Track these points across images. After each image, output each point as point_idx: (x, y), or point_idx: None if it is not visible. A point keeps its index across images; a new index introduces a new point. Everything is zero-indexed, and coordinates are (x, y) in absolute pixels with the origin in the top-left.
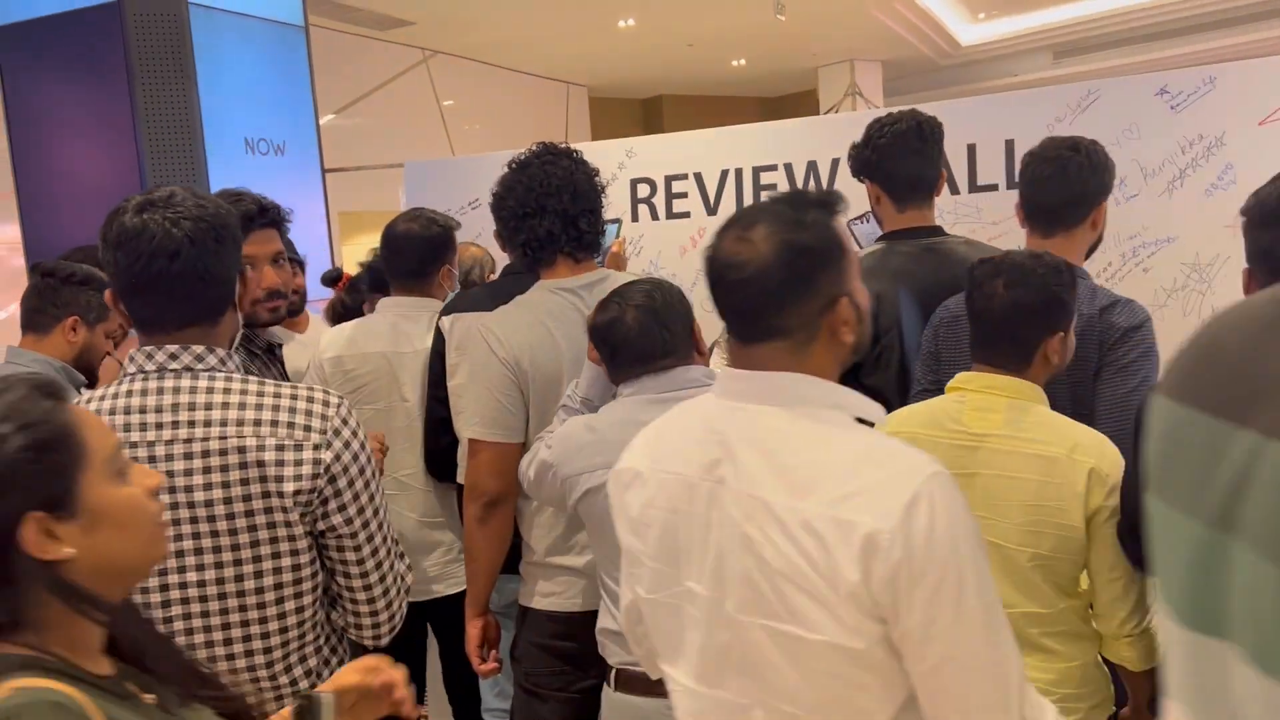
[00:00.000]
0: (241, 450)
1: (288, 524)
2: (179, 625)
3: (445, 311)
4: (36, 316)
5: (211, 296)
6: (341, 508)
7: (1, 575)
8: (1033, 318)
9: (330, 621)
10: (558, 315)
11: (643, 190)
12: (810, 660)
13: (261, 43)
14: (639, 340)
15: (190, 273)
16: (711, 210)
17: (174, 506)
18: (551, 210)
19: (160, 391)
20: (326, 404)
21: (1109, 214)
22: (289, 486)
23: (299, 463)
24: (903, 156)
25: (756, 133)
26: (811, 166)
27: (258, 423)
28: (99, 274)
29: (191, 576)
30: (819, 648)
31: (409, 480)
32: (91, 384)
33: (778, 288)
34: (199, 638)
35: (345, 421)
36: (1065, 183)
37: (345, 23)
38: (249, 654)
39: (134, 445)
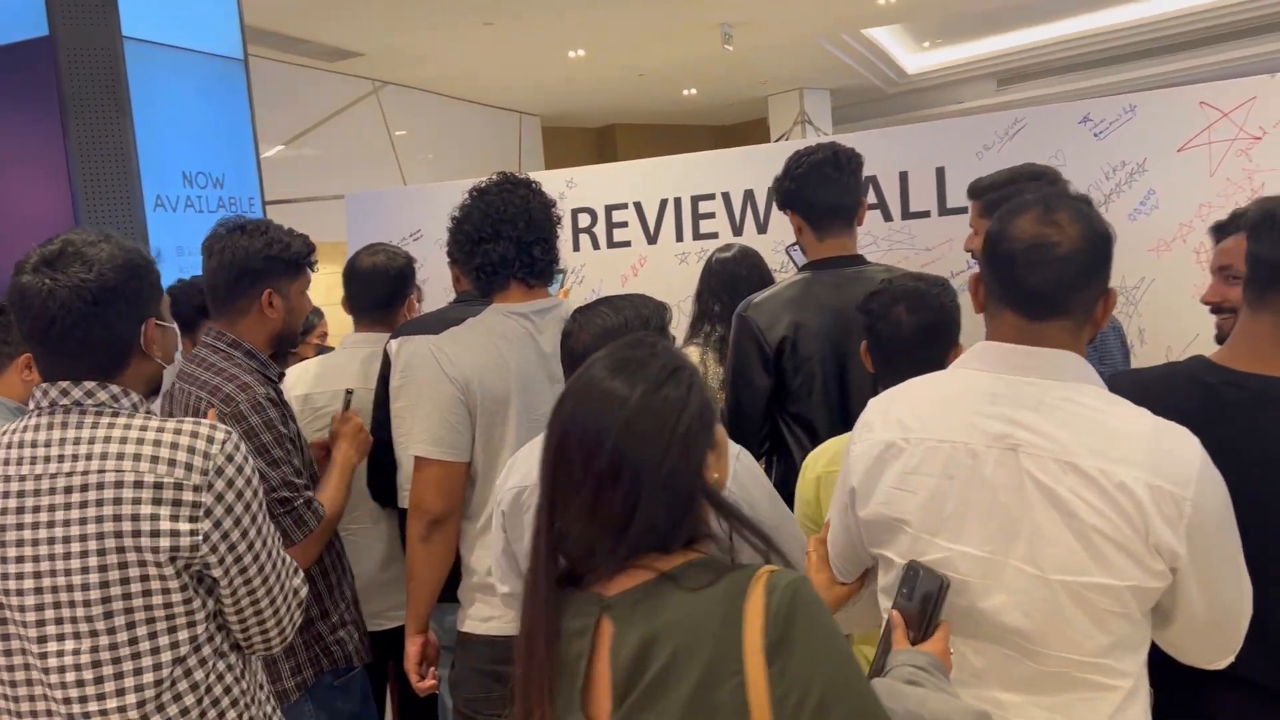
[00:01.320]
0: (119, 485)
1: (157, 565)
2: (54, 663)
3: (394, 336)
4: None
5: (98, 359)
6: (230, 548)
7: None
8: (938, 336)
9: (222, 645)
10: (510, 338)
11: (584, 220)
12: (1105, 603)
13: (199, 76)
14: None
15: (69, 340)
16: (651, 239)
17: (48, 541)
18: (506, 236)
19: (50, 427)
20: (210, 440)
21: None
22: (165, 526)
23: (177, 503)
24: (820, 186)
25: (695, 162)
26: (748, 195)
27: (136, 457)
28: None
29: (65, 613)
30: (1121, 592)
31: (383, 513)
32: None
33: (1084, 269)
34: (70, 676)
35: (230, 458)
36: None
37: (294, 54)
38: (120, 692)
39: (23, 478)
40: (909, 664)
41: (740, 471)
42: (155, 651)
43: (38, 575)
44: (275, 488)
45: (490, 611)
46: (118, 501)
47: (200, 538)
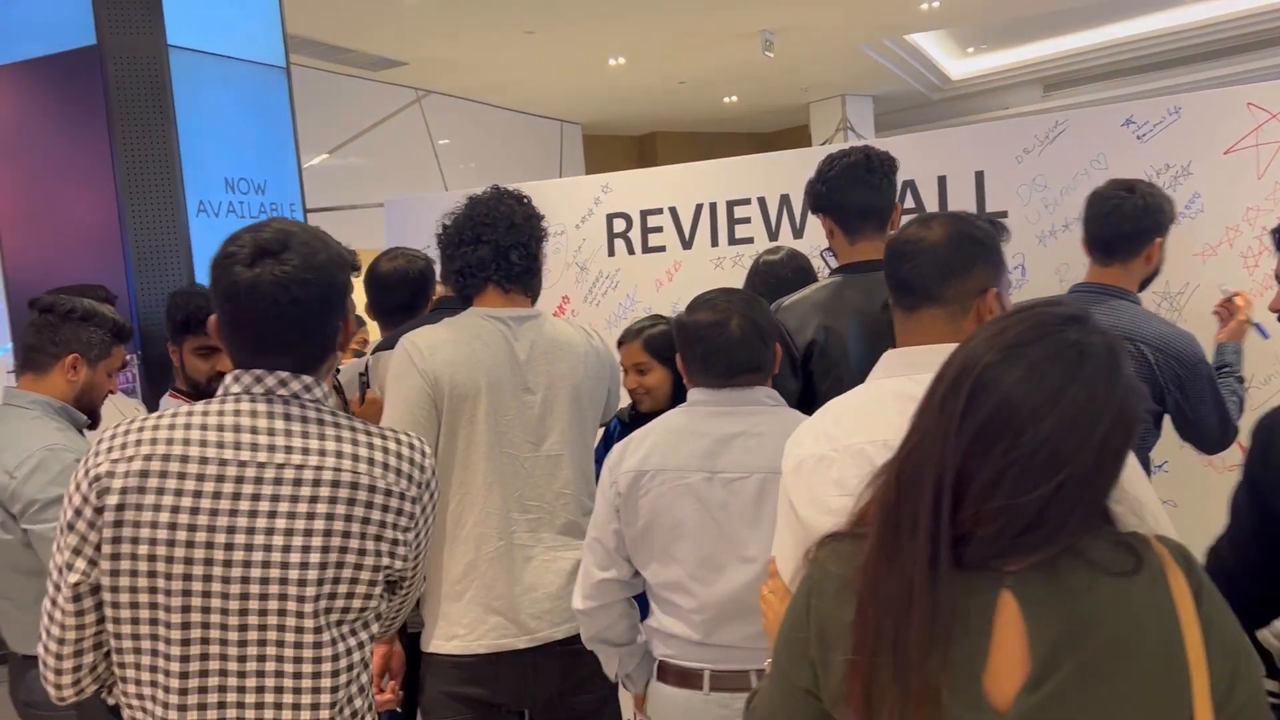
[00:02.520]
0: (354, 486)
1: (374, 569)
2: (254, 652)
3: (377, 350)
4: (34, 355)
5: (312, 352)
6: (417, 549)
7: None
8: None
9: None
10: (484, 338)
11: (618, 225)
12: None
13: (242, 84)
14: (739, 350)
15: (294, 333)
16: (686, 244)
17: (266, 532)
18: (486, 240)
19: (271, 415)
20: (424, 454)
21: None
22: (389, 534)
23: (400, 511)
24: (852, 189)
25: (731, 167)
26: (784, 200)
27: (370, 461)
28: (101, 309)
29: (272, 605)
30: None
31: None
32: (94, 424)
33: (947, 261)
34: (270, 665)
35: (434, 472)
36: (1119, 221)
37: (338, 64)
38: (315, 690)
39: (243, 464)
40: None
41: None
42: (349, 653)
43: (248, 565)
44: None
45: (453, 629)
46: (351, 503)
47: (409, 547)
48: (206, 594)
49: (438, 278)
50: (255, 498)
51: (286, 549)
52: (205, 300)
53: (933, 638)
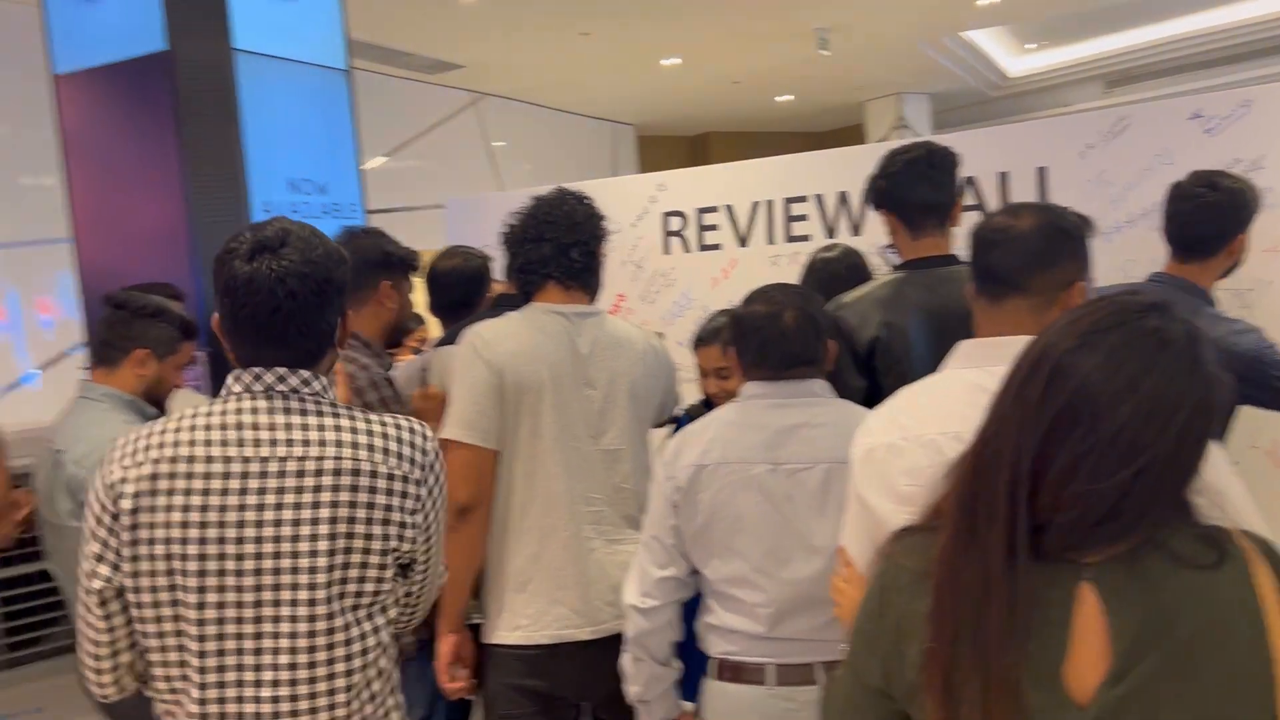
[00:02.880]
0: (356, 473)
1: (382, 552)
2: (269, 644)
3: (439, 345)
4: (105, 349)
5: (309, 346)
6: (429, 537)
7: None
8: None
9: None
10: (547, 331)
11: (674, 223)
12: None
13: (305, 86)
14: (793, 341)
15: (291, 327)
16: (743, 242)
17: (274, 524)
18: (548, 238)
19: (272, 411)
20: (425, 437)
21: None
22: (395, 516)
23: (404, 494)
24: (914, 184)
25: (788, 164)
26: (842, 197)
27: (370, 448)
28: (170, 306)
29: (285, 595)
30: None
31: None
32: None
33: (1037, 251)
34: (284, 659)
35: (438, 455)
36: (1199, 221)
37: (396, 67)
38: (330, 676)
39: (247, 460)
40: None
41: None
42: (363, 637)
43: (259, 557)
44: None
45: (517, 620)
46: (354, 489)
47: (417, 529)
48: (221, 589)
49: (497, 275)
50: (261, 491)
51: (295, 539)
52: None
53: (1011, 628)
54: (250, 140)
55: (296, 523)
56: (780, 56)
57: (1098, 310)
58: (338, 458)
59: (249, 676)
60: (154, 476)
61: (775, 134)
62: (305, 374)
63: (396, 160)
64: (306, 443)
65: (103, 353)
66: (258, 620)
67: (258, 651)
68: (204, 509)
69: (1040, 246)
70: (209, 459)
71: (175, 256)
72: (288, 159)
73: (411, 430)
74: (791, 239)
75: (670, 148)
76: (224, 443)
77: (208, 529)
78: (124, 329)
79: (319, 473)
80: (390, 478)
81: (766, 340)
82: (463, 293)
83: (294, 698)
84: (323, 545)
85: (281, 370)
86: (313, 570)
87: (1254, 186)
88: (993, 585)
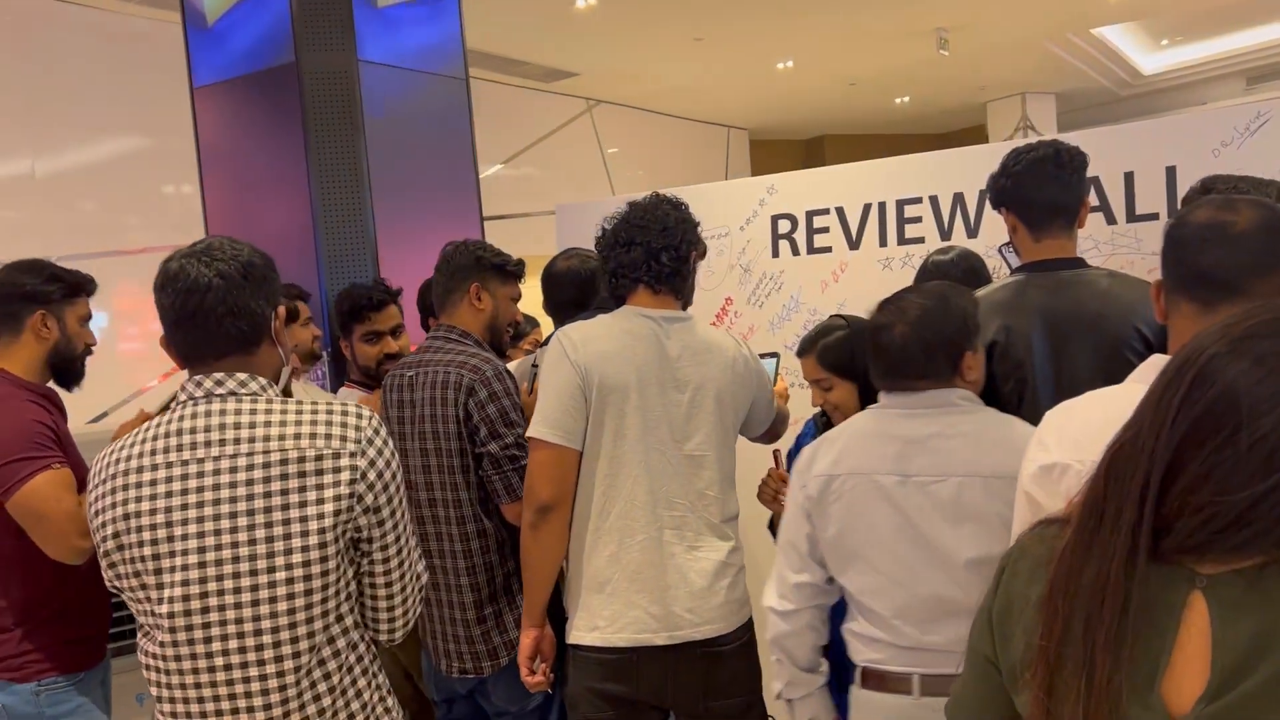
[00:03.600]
0: (284, 462)
1: (320, 531)
2: (216, 618)
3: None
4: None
5: (243, 328)
6: (376, 511)
7: None
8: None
9: (360, 629)
10: (636, 334)
11: (784, 226)
12: None
13: (426, 95)
14: (897, 356)
15: (219, 306)
16: (854, 244)
17: (214, 518)
18: (639, 243)
19: (209, 414)
20: (359, 416)
21: None
22: (329, 493)
23: (337, 470)
24: (1039, 184)
25: (901, 165)
26: (958, 199)
27: (297, 436)
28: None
29: (227, 585)
30: None
31: None
32: None
33: (1261, 251)
34: (231, 629)
35: (377, 431)
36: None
37: (513, 76)
38: (278, 659)
39: (185, 463)
40: None
41: None
42: (309, 621)
43: (202, 550)
44: (509, 445)
45: (594, 620)
46: (284, 477)
47: (355, 499)
48: (186, 584)
49: None
50: (200, 490)
51: (234, 530)
52: (368, 291)
53: (1122, 634)
54: (372, 148)
55: (234, 515)
56: (898, 57)
57: (1255, 316)
58: (266, 451)
59: (220, 678)
60: (112, 491)
61: (893, 136)
62: (242, 376)
63: (512, 168)
64: (238, 440)
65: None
66: (205, 611)
67: (208, 640)
68: (153, 514)
69: (1264, 247)
70: (154, 467)
71: (302, 259)
72: (408, 166)
73: (345, 412)
74: (904, 241)
75: (784, 151)
76: (166, 450)
77: (158, 531)
78: None
79: (250, 468)
80: (319, 458)
81: (880, 351)
82: (576, 293)
83: (248, 694)
84: (260, 533)
85: (219, 375)
86: (253, 558)
87: None
88: (1110, 589)
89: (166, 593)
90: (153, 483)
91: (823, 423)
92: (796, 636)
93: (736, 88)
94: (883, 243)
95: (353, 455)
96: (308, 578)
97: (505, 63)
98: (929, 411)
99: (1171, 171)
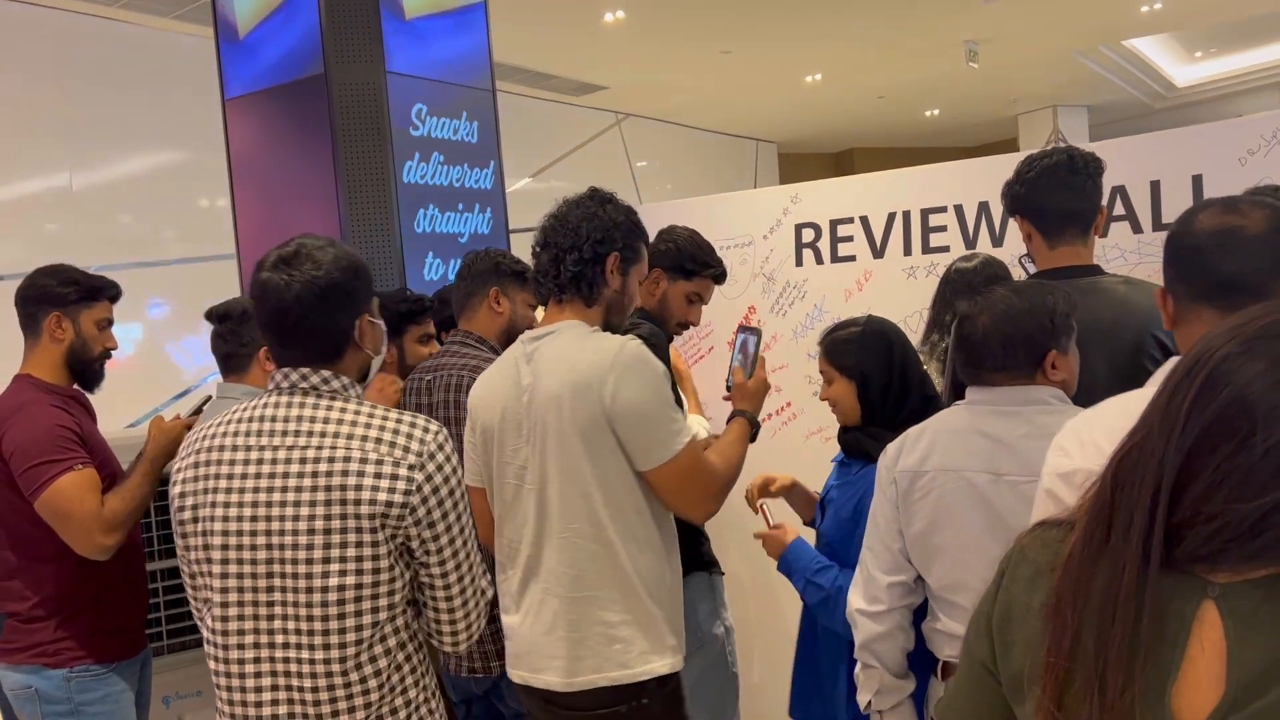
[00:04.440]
0: (348, 459)
1: (372, 530)
2: (273, 598)
3: None
4: (231, 360)
5: (322, 347)
6: (431, 525)
7: None
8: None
9: (412, 630)
10: (504, 364)
11: (807, 234)
12: None
13: (453, 106)
14: (976, 348)
15: (300, 325)
16: (878, 253)
17: (280, 504)
18: (551, 244)
19: (289, 405)
20: (426, 430)
21: None
22: (381, 496)
23: (394, 477)
24: (1052, 191)
25: (926, 174)
26: (983, 207)
27: (363, 439)
28: None
29: (288, 569)
30: None
31: None
32: None
33: (1277, 251)
34: (277, 624)
35: (440, 447)
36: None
37: (542, 89)
38: (326, 647)
39: (262, 449)
40: None
41: None
42: (359, 615)
43: (269, 533)
44: None
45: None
46: (345, 474)
47: (408, 509)
48: (239, 563)
49: None
50: (271, 476)
51: (296, 518)
52: (420, 295)
53: (1134, 647)
54: (400, 159)
55: (298, 504)
56: (927, 69)
57: (1267, 316)
58: (333, 447)
59: (258, 654)
60: (195, 465)
61: (923, 149)
62: (326, 373)
63: (540, 181)
64: (310, 434)
65: (228, 363)
66: (270, 590)
67: (270, 618)
68: (228, 492)
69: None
70: (234, 448)
71: None
72: (435, 177)
73: (413, 424)
74: (929, 250)
75: (813, 164)
76: (247, 434)
77: (230, 509)
78: (238, 338)
79: (317, 460)
80: (379, 463)
81: (961, 342)
82: None
83: (299, 675)
84: (319, 524)
85: (305, 370)
86: (310, 547)
87: None
88: (1122, 601)
89: (232, 568)
90: (231, 463)
91: (848, 465)
92: (889, 639)
93: (765, 101)
94: (907, 252)
95: (411, 467)
96: (359, 572)
97: (534, 76)
98: (1020, 410)
99: (1198, 180)
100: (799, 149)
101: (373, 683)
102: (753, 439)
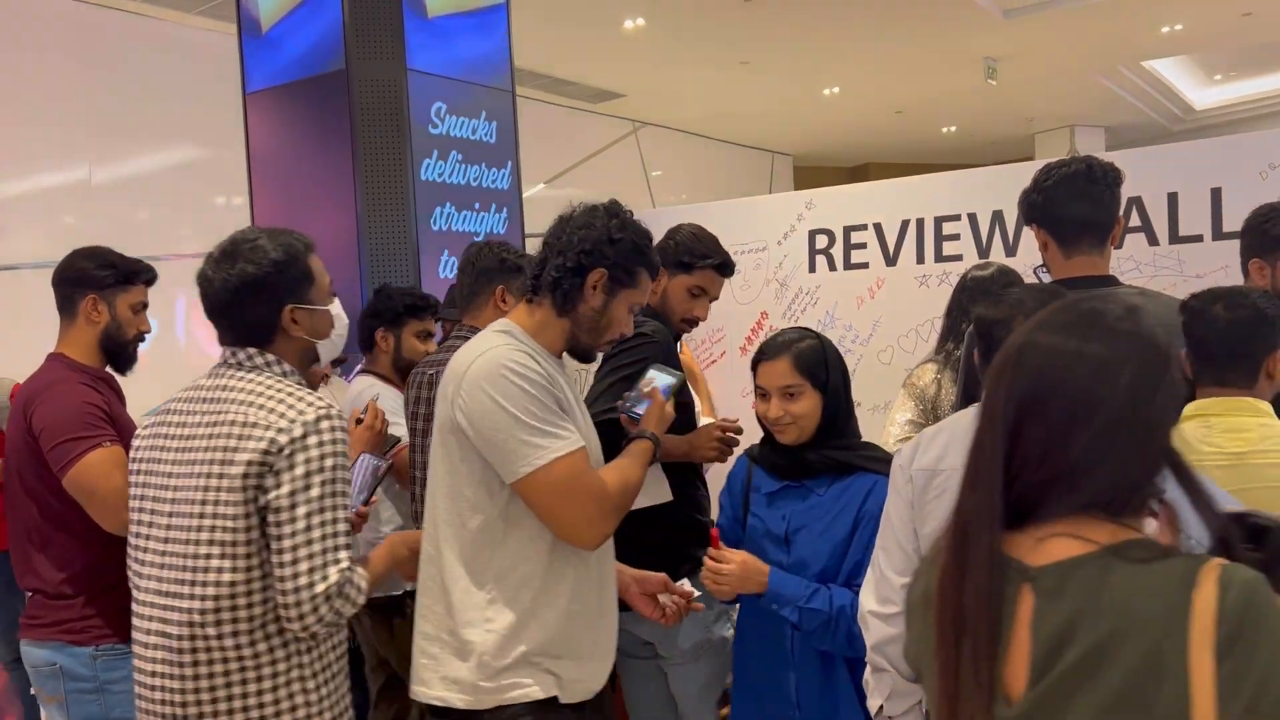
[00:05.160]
0: (232, 423)
1: (242, 489)
2: (160, 560)
3: None
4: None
5: (248, 331)
6: (279, 486)
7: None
8: (1253, 335)
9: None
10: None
11: (821, 241)
12: None
13: (472, 105)
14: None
15: (223, 316)
16: (890, 261)
17: (187, 463)
18: (548, 244)
19: (218, 376)
20: (318, 408)
21: None
22: (244, 456)
23: (262, 439)
24: (1070, 200)
25: (940, 183)
26: (997, 216)
27: (257, 406)
28: None
29: (179, 522)
30: None
31: None
32: (313, 385)
33: None
34: (165, 574)
35: (327, 427)
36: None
37: (560, 95)
38: (192, 597)
39: (183, 414)
40: None
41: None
42: (219, 572)
43: (174, 488)
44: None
45: None
46: (228, 435)
47: (266, 468)
48: (152, 514)
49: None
50: (184, 439)
51: (190, 475)
52: (422, 293)
53: (994, 639)
54: (418, 157)
55: (192, 463)
56: (945, 85)
57: (1051, 306)
58: (230, 412)
59: (155, 599)
60: (149, 427)
61: (939, 166)
62: (253, 350)
63: (554, 188)
64: (220, 401)
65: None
66: (165, 542)
67: (160, 567)
68: (162, 450)
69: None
70: (174, 413)
71: (347, 266)
72: (452, 177)
73: (310, 401)
74: (942, 258)
75: (828, 178)
76: (187, 400)
77: (156, 466)
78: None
79: (215, 424)
80: (255, 425)
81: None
82: None
83: (171, 622)
84: (201, 482)
85: (234, 347)
86: (190, 502)
87: None
88: (980, 606)
89: (145, 517)
90: (168, 425)
91: (757, 456)
92: (902, 641)
93: (782, 112)
94: (920, 259)
95: (280, 430)
96: (224, 529)
97: (552, 82)
98: None
99: (1217, 193)
100: (815, 162)
101: (229, 642)
102: (651, 462)
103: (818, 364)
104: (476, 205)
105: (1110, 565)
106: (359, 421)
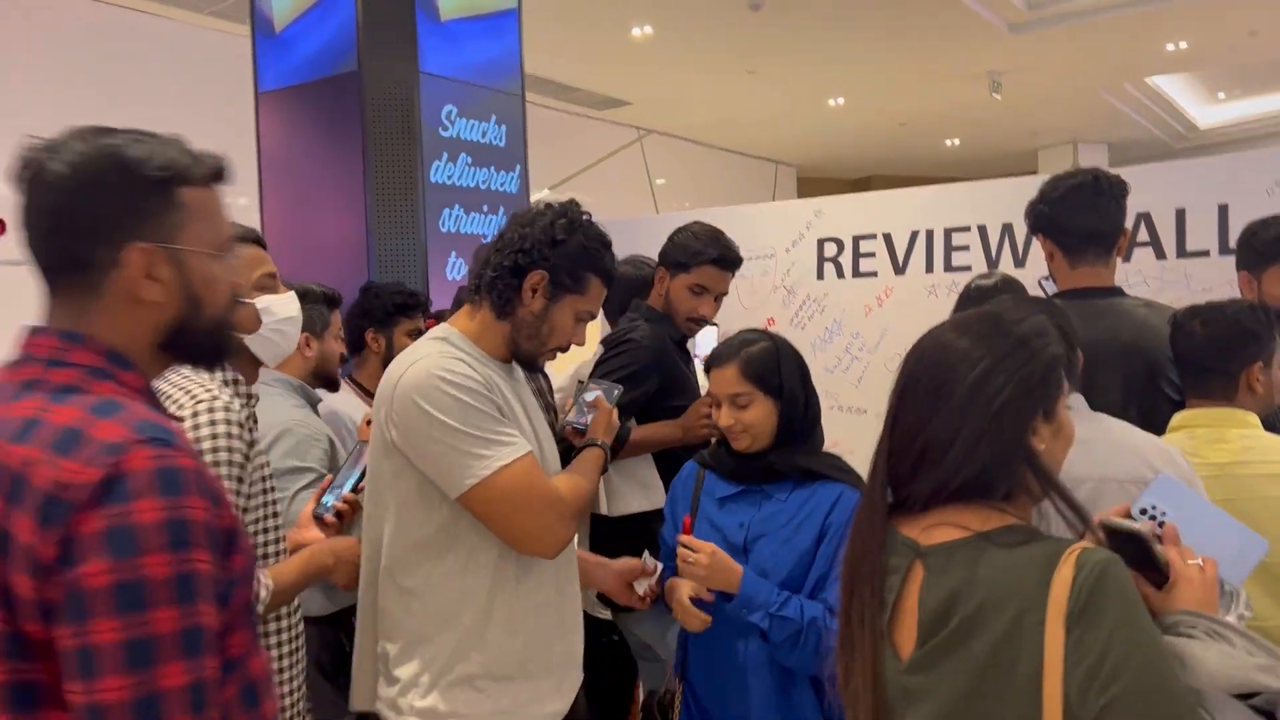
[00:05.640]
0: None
1: None
2: None
3: (603, 341)
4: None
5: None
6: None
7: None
8: (1228, 349)
9: None
10: None
11: (829, 249)
12: None
13: (482, 108)
14: None
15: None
16: (899, 270)
17: None
18: (494, 245)
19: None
20: (202, 400)
21: None
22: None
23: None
24: (1076, 211)
25: (950, 193)
26: (1006, 229)
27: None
28: (308, 286)
29: None
30: None
31: None
32: (334, 388)
33: None
34: None
35: (215, 418)
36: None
37: (566, 102)
38: None
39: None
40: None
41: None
42: None
43: None
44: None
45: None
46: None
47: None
48: None
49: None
50: None
51: None
52: (415, 292)
53: (882, 604)
54: (428, 158)
55: None
56: (949, 98)
57: (972, 310)
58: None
59: None
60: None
61: (942, 179)
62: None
63: (559, 194)
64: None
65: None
66: None
67: None
68: None
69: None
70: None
71: (355, 267)
72: (462, 178)
73: (201, 384)
74: (951, 268)
75: (831, 189)
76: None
77: None
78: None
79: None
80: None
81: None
82: (629, 297)
83: None
84: None
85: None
86: None
87: None
88: (873, 570)
89: None
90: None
91: (710, 460)
92: None
93: (787, 122)
94: (929, 269)
95: (185, 409)
96: None
97: (558, 88)
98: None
99: (1224, 209)
100: (818, 173)
101: None
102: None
103: (769, 370)
104: (485, 207)
105: (983, 549)
106: (369, 423)
